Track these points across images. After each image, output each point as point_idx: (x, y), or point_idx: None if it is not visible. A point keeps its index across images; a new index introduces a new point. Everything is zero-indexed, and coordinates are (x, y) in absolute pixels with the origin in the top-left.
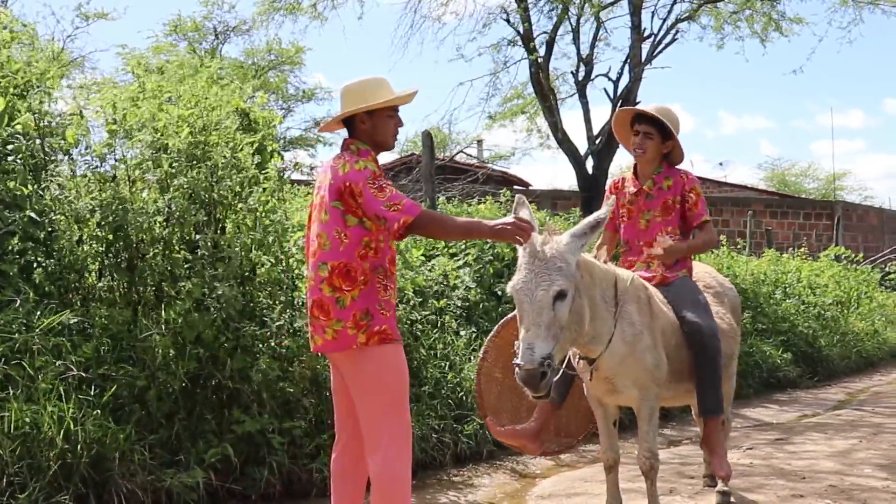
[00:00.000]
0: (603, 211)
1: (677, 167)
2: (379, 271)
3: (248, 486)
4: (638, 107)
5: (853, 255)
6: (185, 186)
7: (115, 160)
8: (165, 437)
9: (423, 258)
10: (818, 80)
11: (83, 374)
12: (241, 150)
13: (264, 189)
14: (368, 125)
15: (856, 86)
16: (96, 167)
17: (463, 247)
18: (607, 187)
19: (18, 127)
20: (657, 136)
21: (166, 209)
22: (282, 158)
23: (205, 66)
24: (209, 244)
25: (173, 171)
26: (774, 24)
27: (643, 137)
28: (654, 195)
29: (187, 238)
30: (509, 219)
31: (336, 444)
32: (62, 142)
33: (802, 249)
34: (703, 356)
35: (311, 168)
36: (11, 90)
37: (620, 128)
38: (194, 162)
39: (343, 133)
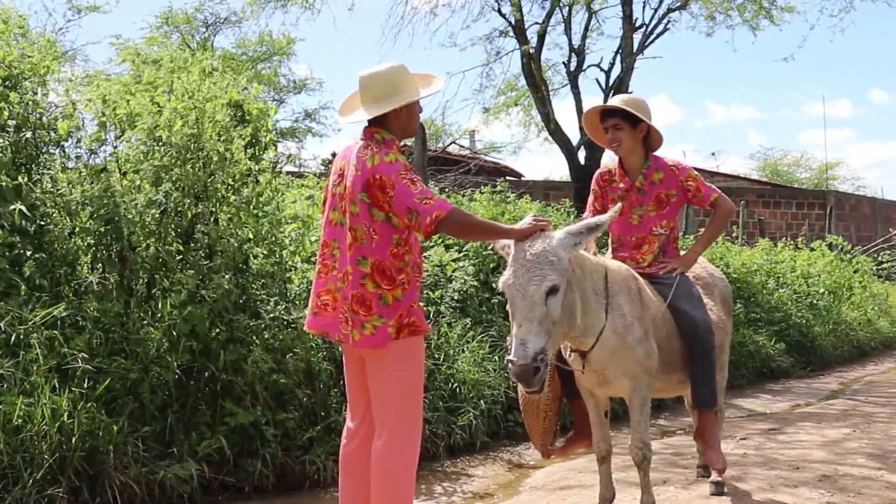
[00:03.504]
0: (605, 216)
1: (666, 160)
2: (415, 268)
3: (241, 478)
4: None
5: (849, 245)
6: (178, 179)
7: (107, 153)
8: (159, 430)
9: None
10: (804, 70)
11: (78, 366)
12: (233, 142)
13: (258, 181)
14: (404, 114)
15: (842, 76)
16: (88, 160)
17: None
18: (593, 180)
19: (6, 115)
20: (625, 124)
21: (159, 202)
22: (275, 150)
23: (197, 59)
24: (203, 236)
25: (165, 164)
26: (765, 12)
27: (613, 130)
28: (645, 190)
29: (180, 230)
30: (529, 220)
31: (349, 437)
32: (53, 134)
33: (800, 238)
34: (698, 350)
35: (301, 161)
36: (2, 82)
37: (595, 132)
38: (187, 155)
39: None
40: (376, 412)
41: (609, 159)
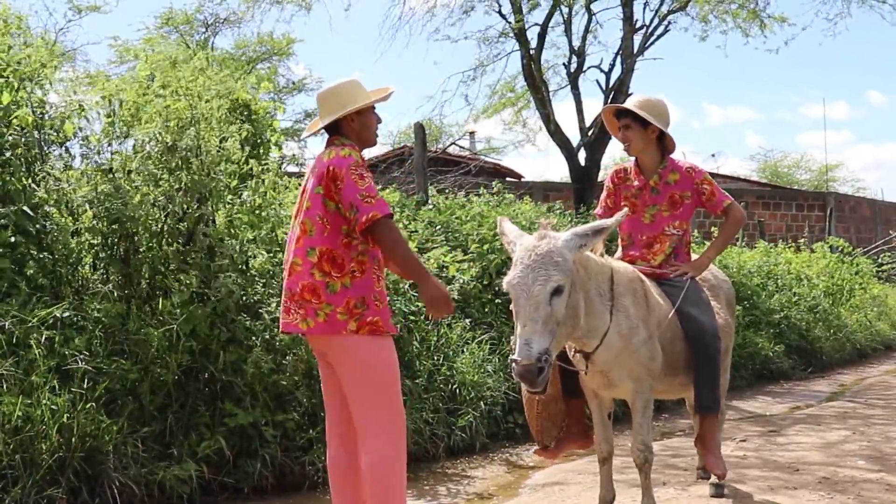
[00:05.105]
0: (612, 219)
1: (682, 162)
2: (376, 261)
3: (240, 478)
4: (623, 103)
5: (849, 247)
6: (181, 179)
7: (111, 153)
8: (158, 430)
9: (416, 251)
10: (801, 71)
11: (78, 367)
12: (230, 139)
13: (262, 181)
14: (357, 123)
15: (839, 78)
16: (94, 159)
17: (472, 238)
18: (607, 177)
19: (15, 121)
20: (635, 125)
21: (164, 201)
22: (280, 149)
23: (194, 56)
24: (204, 237)
25: (170, 164)
26: (759, 20)
27: (623, 130)
28: (660, 190)
29: (182, 230)
30: (448, 295)
31: (331, 441)
32: (55, 134)
33: (802, 240)
34: (703, 355)
35: (302, 161)
36: (16, 83)
37: (613, 130)
38: (188, 153)
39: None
40: (356, 417)
41: (609, 160)
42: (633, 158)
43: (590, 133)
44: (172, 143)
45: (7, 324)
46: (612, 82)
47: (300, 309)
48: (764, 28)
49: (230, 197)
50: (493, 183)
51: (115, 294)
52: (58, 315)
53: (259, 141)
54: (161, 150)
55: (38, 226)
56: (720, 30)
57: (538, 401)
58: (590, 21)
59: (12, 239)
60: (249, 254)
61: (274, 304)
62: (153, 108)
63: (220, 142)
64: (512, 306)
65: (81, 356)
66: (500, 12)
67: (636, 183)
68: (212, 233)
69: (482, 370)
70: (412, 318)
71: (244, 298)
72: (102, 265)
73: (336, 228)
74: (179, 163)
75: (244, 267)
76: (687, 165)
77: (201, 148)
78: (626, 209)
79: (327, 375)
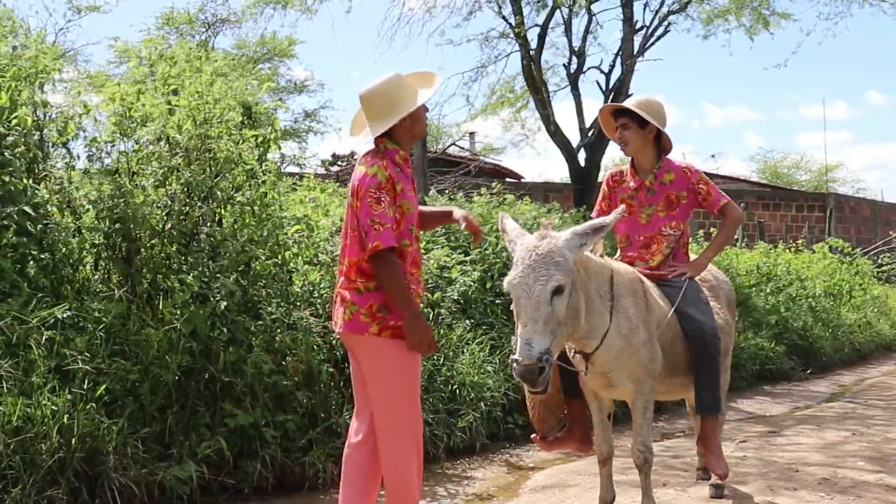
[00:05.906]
0: (610, 217)
1: (678, 162)
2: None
3: (240, 479)
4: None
5: (849, 248)
6: (185, 180)
7: (118, 153)
8: (158, 431)
9: (422, 251)
10: (801, 72)
11: (78, 367)
12: (244, 142)
13: (263, 182)
14: (408, 121)
15: (838, 77)
16: (98, 160)
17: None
18: (603, 180)
19: (15, 120)
20: (633, 124)
21: (167, 202)
22: (279, 148)
23: (209, 60)
24: (206, 237)
25: (173, 165)
26: (763, 19)
27: (621, 129)
28: (655, 190)
29: (185, 231)
30: (433, 338)
31: (353, 435)
32: (57, 135)
33: (800, 241)
34: (703, 355)
35: (302, 162)
36: (14, 83)
37: (609, 130)
38: (195, 155)
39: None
40: (375, 418)
41: (609, 161)
42: (630, 160)
43: (590, 134)
44: (176, 143)
45: (5, 324)
46: (612, 83)
47: (340, 308)
48: (768, 26)
49: (240, 198)
50: (493, 183)
51: (117, 294)
52: (58, 315)
53: (262, 141)
54: (166, 150)
55: (39, 226)
56: (723, 28)
57: (533, 401)
58: (590, 22)
59: (14, 239)
60: (250, 255)
61: (274, 305)
62: (160, 109)
63: (236, 144)
64: (513, 306)
65: (82, 357)
66: (500, 13)
67: (632, 184)
68: (217, 233)
69: (482, 371)
70: None
71: (244, 299)
72: (104, 265)
73: (361, 242)
74: (181, 162)
75: (245, 267)
76: (683, 166)
77: (209, 149)
78: (622, 207)
79: (356, 370)
